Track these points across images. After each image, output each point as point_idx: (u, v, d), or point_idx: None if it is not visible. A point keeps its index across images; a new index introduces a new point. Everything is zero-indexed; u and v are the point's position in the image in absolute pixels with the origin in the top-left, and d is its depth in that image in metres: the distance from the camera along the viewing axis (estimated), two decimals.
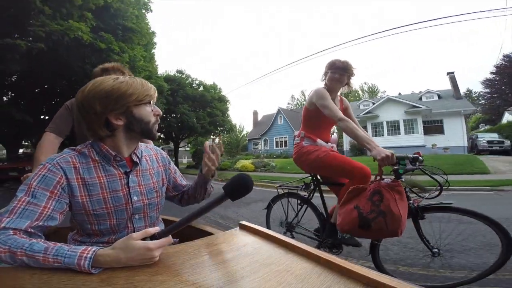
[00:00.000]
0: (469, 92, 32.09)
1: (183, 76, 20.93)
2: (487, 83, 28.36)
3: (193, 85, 20.98)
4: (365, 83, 41.24)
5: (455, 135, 15.77)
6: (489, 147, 14.00)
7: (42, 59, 8.08)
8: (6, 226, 0.56)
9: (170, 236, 0.60)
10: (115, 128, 0.71)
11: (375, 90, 41.21)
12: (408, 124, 16.63)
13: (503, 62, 27.36)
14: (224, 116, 20.93)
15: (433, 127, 16.43)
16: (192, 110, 19.77)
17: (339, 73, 1.71)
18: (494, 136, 14.93)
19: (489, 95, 28.12)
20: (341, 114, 1.59)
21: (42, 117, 11.67)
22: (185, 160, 27.07)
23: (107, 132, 0.70)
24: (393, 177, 1.45)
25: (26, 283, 0.48)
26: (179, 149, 23.72)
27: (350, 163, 1.61)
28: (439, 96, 18.81)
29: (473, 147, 15.11)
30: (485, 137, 15.04)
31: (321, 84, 1.83)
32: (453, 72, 19.05)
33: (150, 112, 0.75)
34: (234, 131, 28.67)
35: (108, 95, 0.68)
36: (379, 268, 1.62)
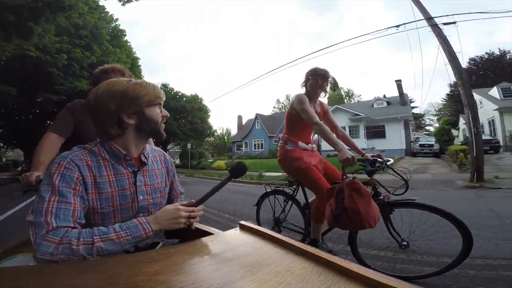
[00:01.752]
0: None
1: (167, 89, 24.91)
2: (454, 85, 29.25)
3: (177, 97, 25.03)
4: (341, 87, 43.50)
5: (394, 139, 17.73)
6: (421, 149, 15.64)
7: (63, 102, 13.39)
8: (57, 225, 0.58)
9: (201, 206, 0.79)
10: (126, 127, 0.73)
11: (351, 94, 43.53)
12: (353, 129, 19.08)
13: (470, 66, 28.64)
14: (203, 123, 25.54)
15: (377, 132, 18.74)
16: (175, 119, 23.50)
17: (320, 79, 1.86)
18: (431, 140, 16.90)
19: (456, 98, 29.41)
20: (317, 118, 1.76)
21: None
22: (177, 160, 28.40)
23: (118, 131, 0.73)
24: (354, 175, 1.62)
25: (26, 283, 0.48)
26: (170, 150, 28.11)
27: (320, 182, 1.77)
28: (388, 103, 21.31)
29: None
30: (421, 141, 17.17)
31: (302, 90, 1.96)
32: (400, 80, 21.24)
33: (159, 113, 0.78)
34: (214, 135, 32.62)
35: (123, 95, 0.71)
36: (357, 258, 1.77)
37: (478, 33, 58.43)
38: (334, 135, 1.65)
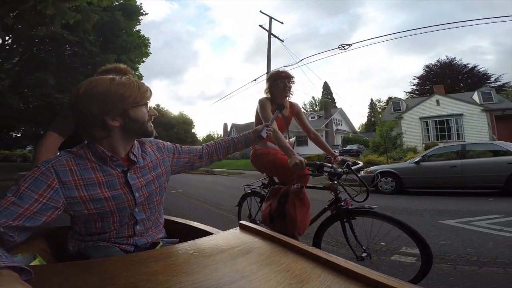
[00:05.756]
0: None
1: (159, 107, 33.69)
2: (409, 93, 31.52)
3: (166, 114, 34.16)
4: (312, 97, 46.37)
5: (313, 146, 20.55)
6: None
7: None
8: None
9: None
10: (111, 129, 0.70)
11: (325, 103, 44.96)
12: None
13: (424, 74, 30.33)
14: (186, 133, 34.00)
15: (303, 140, 20.66)
16: (164, 131, 31.43)
17: (287, 81, 1.86)
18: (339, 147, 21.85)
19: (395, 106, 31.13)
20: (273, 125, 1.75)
21: None
22: None
23: (103, 134, 0.70)
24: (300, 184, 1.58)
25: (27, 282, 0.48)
26: None
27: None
28: (319, 117, 27.54)
29: None
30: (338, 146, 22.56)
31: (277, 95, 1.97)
32: (328, 98, 27.46)
33: (145, 113, 0.75)
34: (197, 142, 38.38)
35: (105, 97, 0.67)
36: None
37: (497, 32, 58.08)
38: (286, 142, 1.68)
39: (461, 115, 15.76)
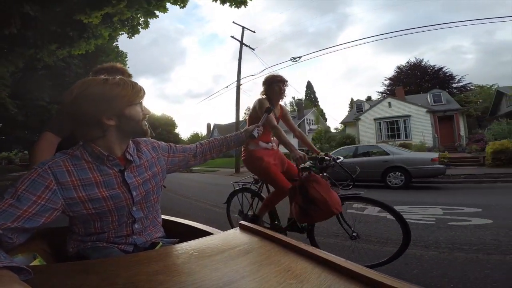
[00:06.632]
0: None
1: None
2: (381, 93, 31.61)
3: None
4: (293, 97, 46.44)
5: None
6: None
7: None
8: None
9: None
10: (106, 128, 0.71)
11: (311, 102, 46.27)
12: None
13: (395, 75, 30.81)
14: (169, 133, 34.28)
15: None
16: None
17: (281, 85, 2.02)
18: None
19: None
20: (274, 122, 1.91)
21: None
22: None
23: (99, 133, 0.71)
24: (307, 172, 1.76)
25: (26, 283, 0.48)
26: None
27: (278, 178, 1.96)
28: (293, 117, 26.32)
29: None
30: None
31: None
32: (301, 99, 29.30)
33: (140, 112, 0.77)
34: (181, 142, 40.19)
35: (100, 97, 0.68)
36: (316, 247, 1.90)
37: (479, 32, 58.61)
38: (287, 138, 1.84)
39: (408, 116, 17.08)
